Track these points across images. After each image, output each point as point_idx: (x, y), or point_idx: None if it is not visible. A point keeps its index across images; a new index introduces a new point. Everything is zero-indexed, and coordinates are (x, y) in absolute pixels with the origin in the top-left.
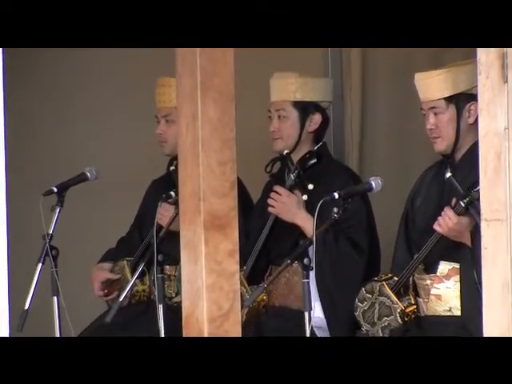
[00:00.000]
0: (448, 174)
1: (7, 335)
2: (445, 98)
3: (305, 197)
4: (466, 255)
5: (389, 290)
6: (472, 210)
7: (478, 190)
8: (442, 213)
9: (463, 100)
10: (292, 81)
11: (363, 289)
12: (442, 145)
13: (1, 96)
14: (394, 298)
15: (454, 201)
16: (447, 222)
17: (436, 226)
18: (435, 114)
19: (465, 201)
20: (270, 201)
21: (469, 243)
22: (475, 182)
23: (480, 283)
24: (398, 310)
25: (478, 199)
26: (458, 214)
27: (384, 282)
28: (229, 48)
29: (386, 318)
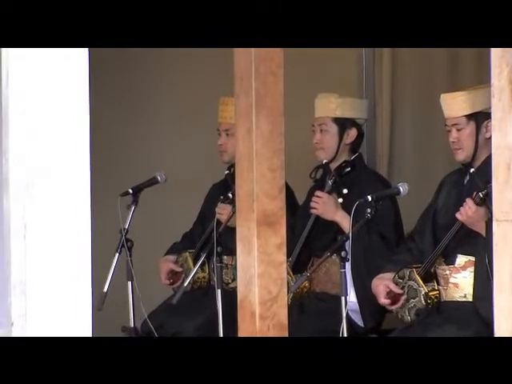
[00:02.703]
0: (471, 170)
1: (90, 313)
2: (466, 116)
3: (340, 200)
4: (480, 250)
5: (416, 275)
6: (488, 201)
7: None
8: (464, 203)
9: (481, 118)
10: (333, 100)
11: (396, 275)
12: (462, 155)
13: (86, 100)
14: (420, 282)
15: (474, 193)
16: (467, 210)
17: (458, 215)
18: (457, 129)
19: (483, 192)
20: (312, 204)
21: (483, 233)
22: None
23: (492, 273)
24: (423, 293)
25: None
26: (477, 205)
27: (413, 269)
28: (279, 72)
29: (412, 299)
